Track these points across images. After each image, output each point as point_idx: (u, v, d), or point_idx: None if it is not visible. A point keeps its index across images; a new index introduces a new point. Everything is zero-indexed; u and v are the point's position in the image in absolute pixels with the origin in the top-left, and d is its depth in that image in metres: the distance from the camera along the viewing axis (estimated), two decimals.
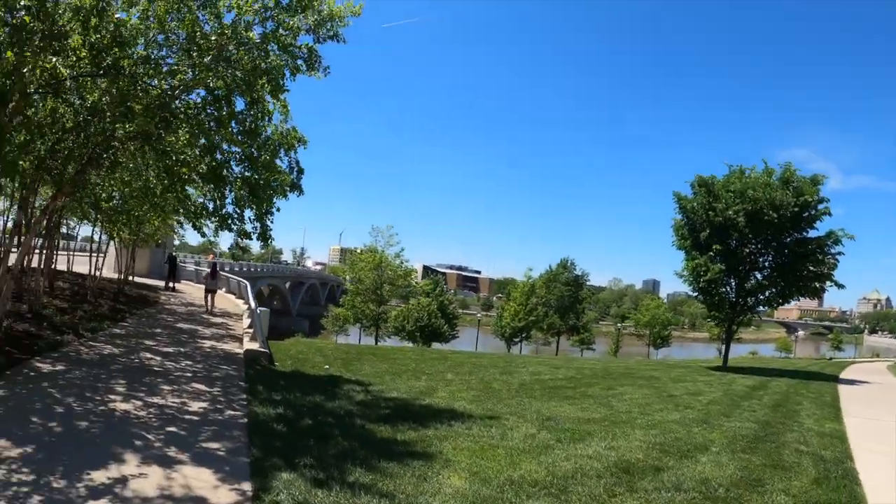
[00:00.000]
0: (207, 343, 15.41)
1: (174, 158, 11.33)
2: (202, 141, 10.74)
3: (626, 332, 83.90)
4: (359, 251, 56.36)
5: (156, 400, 8.98)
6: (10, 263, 11.42)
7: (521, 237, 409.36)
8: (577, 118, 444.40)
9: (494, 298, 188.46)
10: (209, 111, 10.24)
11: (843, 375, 31.08)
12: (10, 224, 15.37)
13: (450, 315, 59.71)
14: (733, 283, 30.98)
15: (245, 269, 57.28)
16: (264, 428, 8.26)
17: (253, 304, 16.90)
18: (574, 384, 16.75)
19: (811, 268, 29.37)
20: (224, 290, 30.17)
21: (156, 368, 11.34)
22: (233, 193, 11.90)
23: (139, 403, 8.66)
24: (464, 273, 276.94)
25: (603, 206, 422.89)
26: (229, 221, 12.28)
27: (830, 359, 74.83)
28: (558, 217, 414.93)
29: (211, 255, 38.96)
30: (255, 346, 14.87)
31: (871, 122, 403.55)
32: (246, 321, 19.51)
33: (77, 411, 7.85)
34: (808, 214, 28.32)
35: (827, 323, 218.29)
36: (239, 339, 16.74)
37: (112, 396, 8.81)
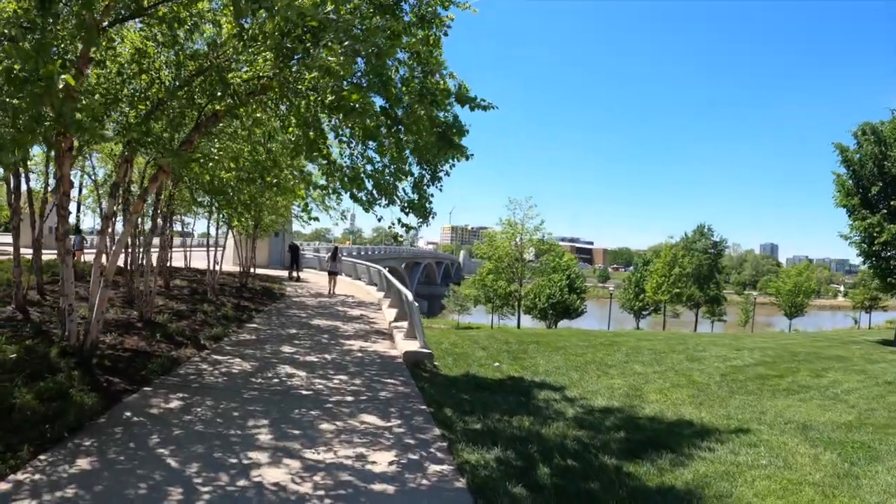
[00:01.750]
0: (355, 344, 12.20)
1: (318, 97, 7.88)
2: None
3: (760, 301, 75.93)
4: (489, 230, 51.33)
5: (319, 455, 5.69)
6: (102, 263, 8.57)
7: (629, 206, 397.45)
8: (673, 74, 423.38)
9: (610, 269, 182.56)
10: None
11: None
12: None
13: (578, 290, 55.45)
14: None
15: (362, 252, 55.29)
16: (497, 496, 5.08)
17: (406, 293, 13.62)
18: (774, 371, 15.03)
19: None
20: (342, 274, 27.89)
21: (303, 392, 8.10)
22: (413, 143, 8.45)
23: (296, 466, 5.36)
24: (577, 245, 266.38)
25: (711, 168, 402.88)
26: (392, 193, 8.91)
27: None
28: (665, 183, 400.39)
29: (348, 241, 37.69)
30: (413, 345, 11.58)
31: None
32: (388, 312, 16.39)
33: (204, 495, 4.61)
34: None
35: None
36: (387, 335, 13.57)
37: (253, 455, 5.54)
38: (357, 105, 6.66)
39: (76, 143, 8.23)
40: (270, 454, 5.60)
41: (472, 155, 8.49)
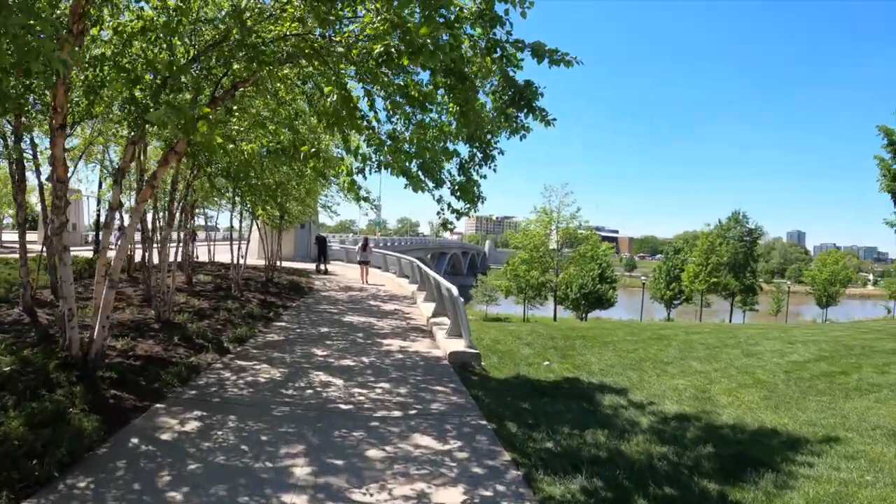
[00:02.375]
0: (393, 344, 11.02)
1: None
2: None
3: (795, 290, 74.13)
4: (516, 219, 49.06)
5: (371, 498, 4.53)
6: (107, 259, 7.48)
7: (652, 194, 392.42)
8: (696, 60, 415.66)
9: (636, 258, 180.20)
10: None
11: None
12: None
13: (609, 279, 53.83)
14: None
15: (389, 243, 54.18)
16: None
17: (448, 287, 12.33)
18: (836, 367, 13.87)
19: None
20: (373, 266, 27.26)
21: (342, 406, 6.90)
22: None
23: None
24: (602, 233, 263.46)
25: (736, 154, 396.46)
26: (436, 174, 7.65)
27: None
28: (689, 171, 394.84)
29: (378, 233, 36.94)
30: (458, 345, 10.37)
31: None
32: (425, 307, 15.24)
33: None
34: None
35: None
36: (426, 333, 12.41)
37: (288, 500, 4.38)
38: (427, 43, 5.25)
39: (69, 120, 7.13)
40: (310, 498, 4.44)
41: (555, 119, 6.91)
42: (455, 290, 11.55)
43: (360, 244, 26.43)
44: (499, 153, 8.22)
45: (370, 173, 7.75)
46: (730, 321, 53.95)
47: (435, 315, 13.51)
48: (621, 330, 19.26)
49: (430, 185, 7.54)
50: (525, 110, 6.61)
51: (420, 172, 7.25)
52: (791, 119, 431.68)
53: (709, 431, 7.91)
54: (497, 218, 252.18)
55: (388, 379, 8.25)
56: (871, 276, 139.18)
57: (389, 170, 6.92)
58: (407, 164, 6.79)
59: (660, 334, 18.39)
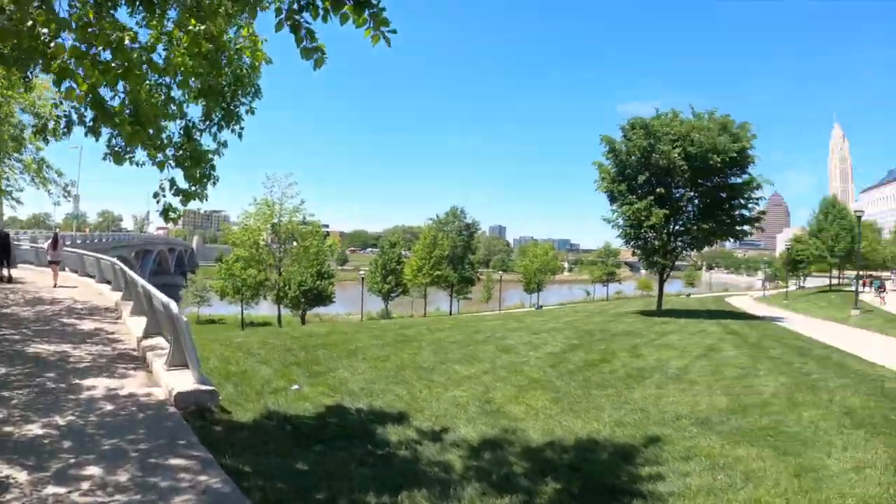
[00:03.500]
0: (98, 386, 8.07)
1: None
2: None
3: (506, 279, 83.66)
4: (242, 214, 44.11)
5: None
6: None
7: (362, 189, 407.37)
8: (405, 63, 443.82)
9: (348, 251, 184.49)
10: None
11: (760, 313, 36.41)
12: None
13: (326, 275, 53.25)
14: (670, 228, 30.35)
15: (88, 241, 46.07)
16: None
17: (165, 302, 9.42)
18: (594, 354, 14.88)
19: (743, 212, 30.43)
20: (67, 269, 23.31)
21: None
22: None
23: None
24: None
25: (443, 157, 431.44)
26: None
27: (688, 295, 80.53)
28: (397, 171, 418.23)
29: (87, 228, 30.72)
30: (186, 380, 8.06)
31: None
32: (133, 323, 12.32)
33: None
34: (741, 159, 28.46)
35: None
36: (139, 361, 9.78)
37: None
38: None
39: None
40: None
41: (395, 32, 4.32)
42: (175, 307, 8.84)
43: (49, 241, 23.42)
44: (247, 112, 6.39)
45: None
46: (450, 312, 57.32)
47: (147, 336, 10.59)
48: (363, 334, 18.30)
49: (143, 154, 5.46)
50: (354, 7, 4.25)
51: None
52: (492, 122, 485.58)
53: (532, 458, 7.25)
54: (205, 212, 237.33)
55: (99, 456, 5.63)
56: (566, 264, 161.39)
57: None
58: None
59: (404, 335, 17.99)
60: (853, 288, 41.31)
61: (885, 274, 75.12)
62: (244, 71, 6.24)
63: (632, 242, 30.98)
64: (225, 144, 6.40)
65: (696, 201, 30.11)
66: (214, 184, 6.48)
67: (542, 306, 65.43)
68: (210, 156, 6.30)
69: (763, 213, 32.96)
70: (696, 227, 29.77)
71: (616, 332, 19.98)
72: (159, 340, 10.23)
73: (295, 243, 44.34)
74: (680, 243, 31.41)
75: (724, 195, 29.45)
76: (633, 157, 28.34)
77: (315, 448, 6.89)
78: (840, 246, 60.01)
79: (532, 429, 8.58)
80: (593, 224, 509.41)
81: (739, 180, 29.30)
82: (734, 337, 19.35)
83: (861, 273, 49.28)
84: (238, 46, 6.27)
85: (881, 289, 45.58)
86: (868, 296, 43.70)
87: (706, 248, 38.73)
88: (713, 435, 8.04)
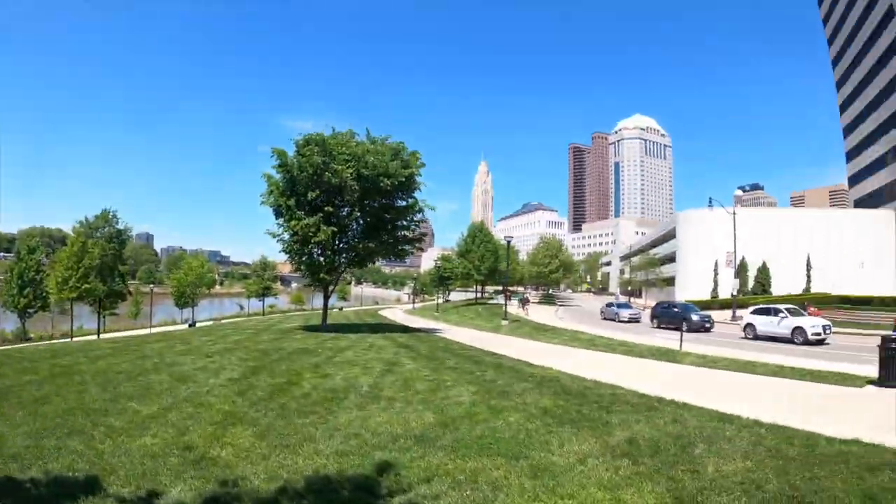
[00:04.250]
0: None
1: None
2: None
3: (156, 292, 74.95)
4: None
5: None
6: None
7: None
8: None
9: None
10: None
11: (417, 325, 38.92)
12: None
13: None
14: (336, 245, 30.82)
15: None
16: None
17: None
18: (280, 377, 13.63)
19: (405, 233, 32.37)
20: None
21: None
22: None
23: None
24: None
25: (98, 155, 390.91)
26: None
27: (341, 308, 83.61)
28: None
29: None
30: None
31: None
32: None
33: None
34: (409, 184, 30.15)
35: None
36: None
37: None
38: None
39: None
40: None
41: None
42: None
43: None
44: None
45: None
46: (99, 332, 48.47)
47: None
48: (7, 367, 14.77)
49: None
50: None
51: None
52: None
53: None
54: None
55: None
56: (217, 276, 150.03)
57: None
58: None
59: (60, 365, 15.17)
60: (498, 301, 47.95)
61: (522, 289, 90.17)
62: None
63: (297, 258, 30.61)
64: None
65: (362, 221, 30.93)
66: None
67: (195, 323, 60.30)
68: None
69: (424, 234, 35.45)
70: (360, 246, 30.50)
71: (291, 350, 19.11)
72: None
73: None
74: (344, 260, 31.93)
75: (388, 216, 30.82)
76: (304, 174, 27.92)
77: None
78: (486, 265, 69.67)
79: (252, 475, 7.05)
80: (244, 235, 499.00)
81: (405, 203, 31.07)
82: (407, 350, 19.89)
83: (503, 288, 57.96)
84: None
85: (525, 301, 54.79)
86: (513, 308, 51.31)
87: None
88: (439, 451, 7.73)
